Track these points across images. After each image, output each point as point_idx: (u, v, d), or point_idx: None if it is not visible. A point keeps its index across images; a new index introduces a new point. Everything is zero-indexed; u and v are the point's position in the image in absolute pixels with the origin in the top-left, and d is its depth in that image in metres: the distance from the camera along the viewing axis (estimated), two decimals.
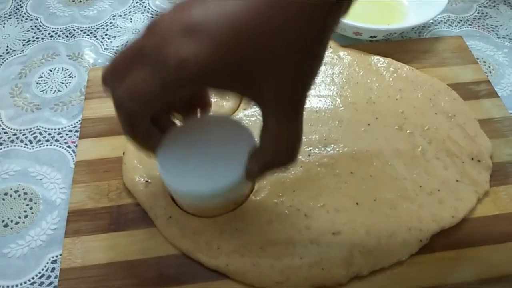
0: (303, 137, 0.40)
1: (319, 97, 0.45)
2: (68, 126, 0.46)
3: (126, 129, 0.30)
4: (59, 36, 0.55)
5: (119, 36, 0.55)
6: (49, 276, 0.37)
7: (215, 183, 0.32)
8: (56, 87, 0.50)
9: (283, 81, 0.27)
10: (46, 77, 0.51)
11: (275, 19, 0.25)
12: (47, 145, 0.45)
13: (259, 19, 0.25)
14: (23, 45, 0.54)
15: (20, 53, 0.53)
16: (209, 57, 0.25)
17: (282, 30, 0.25)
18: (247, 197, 0.38)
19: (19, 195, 0.41)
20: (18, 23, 0.57)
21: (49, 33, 0.55)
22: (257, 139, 0.31)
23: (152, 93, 0.26)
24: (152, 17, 0.58)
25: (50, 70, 0.51)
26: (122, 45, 0.54)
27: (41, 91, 0.49)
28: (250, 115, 0.43)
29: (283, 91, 0.27)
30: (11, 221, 0.40)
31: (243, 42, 0.25)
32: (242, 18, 0.25)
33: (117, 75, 0.28)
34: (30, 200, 0.41)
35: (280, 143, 0.29)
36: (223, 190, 0.32)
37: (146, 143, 0.32)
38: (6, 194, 0.41)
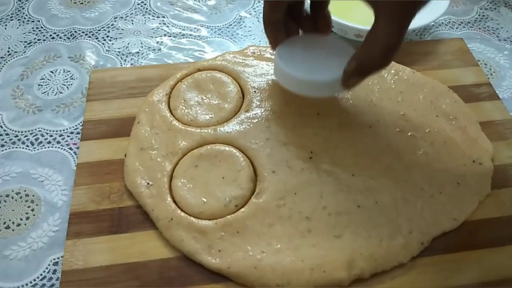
0: (305, 140, 0.41)
1: (321, 99, 0.45)
2: (70, 128, 0.46)
3: (267, 13, 0.39)
4: (60, 38, 0.55)
5: (121, 38, 0.55)
6: (51, 278, 0.37)
7: (321, 75, 0.39)
8: (57, 89, 0.50)
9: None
10: (48, 79, 0.51)
11: None
12: (48, 147, 0.45)
13: None
14: (25, 46, 0.54)
15: (22, 55, 0.53)
16: None
17: None
18: None
19: (20, 197, 0.41)
20: (19, 25, 0.57)
21: (50, 35, 0.56)
22: None
23: None
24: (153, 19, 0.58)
25: (52, 72, 0.51)
26: (123, 47, 0.54)
27: (42, 93, 0.49)
28: (252, 117, 0.43)
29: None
30: (13, 223, 0.40)
31: None
32: None
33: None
34: (32, 202, 0.41)
35: (379, 44, 0.33)
36: (326, 83, 0.39)
37: (274, 35, 0.41)
38: (7, 196, 0.41)
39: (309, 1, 0.41)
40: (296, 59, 0.40)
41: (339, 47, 0.41)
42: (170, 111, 0.44)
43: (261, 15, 0.58)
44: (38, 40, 0.55)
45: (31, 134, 0.46)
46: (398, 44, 0.33)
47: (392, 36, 0.33)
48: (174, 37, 0.56)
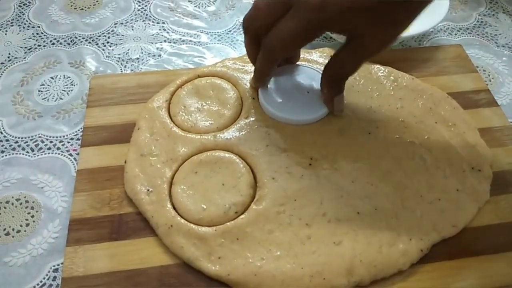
0: (304, 146, 0.41)
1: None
2: (70, 134, 0.46)
3: (264, 68, 0.42)
4: (60, 43, 0.55)
5: (121, 44, 0.56)
6: (51, 285, 0.37)
7: (302, 115, 0.43)
8: (57, 95, 0.50)
9: (386, 27, 0.35)
10: (48, 85, 0.51)
11: None
12: (48, 153, 0.45)
13: None
14: (25, 52, 0.54)
15: (22, 61, 0.53)
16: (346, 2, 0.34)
17: None
18: None
19: (20, 203, 0.41)
20: (20, 31, 0.57)
21: (50, 41, 0.56)
22: None
23: (297, 36, 0.36)
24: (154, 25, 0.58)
25: (52, 78, 0.52)
26: (123, 53, 0.54)
27: (42, 99, 0.49)
28: (252, 124, 0.43)
29: (380, 47, 0.37)
30: (13, 230, 0.40)
31: None
32: None
33: (263, 23, 0.38)
34: (32, 208, 0.41)
35: (343, 53, 0.38)
36: (311, 120, 0.43)
37: (264, 79, 0.44)
38: (7, 202, 0.41)
39: None
40: (279, 96, 0.44)
41: (312, 75, 0.45)
42: (170, 118, 0.44)
43: None
44: (38, 46, 0.55)
45: (31, 140, 0.46)
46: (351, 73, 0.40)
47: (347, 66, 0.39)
48: (174, 43, 0.56)
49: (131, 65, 0.53)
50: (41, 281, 0.37)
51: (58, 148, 0.45)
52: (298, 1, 0.35)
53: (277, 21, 0.37)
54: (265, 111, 0.44)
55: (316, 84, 0.43)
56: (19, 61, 0.53)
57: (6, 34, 0.56)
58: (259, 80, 0.44)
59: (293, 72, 0.46)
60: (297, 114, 0.43)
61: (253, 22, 0.39)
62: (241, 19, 0.59)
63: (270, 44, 0.38)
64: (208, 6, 0.61)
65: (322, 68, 0.41)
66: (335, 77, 0.40)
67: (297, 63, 0.47)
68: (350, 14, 0.34)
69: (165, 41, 0.56)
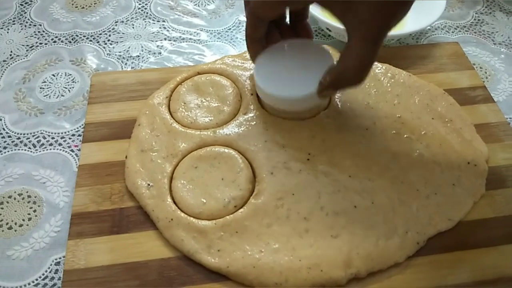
0: (302, 142, 0.41)
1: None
2: (71, 130, 0.47)
3: (249, 29, 0.40)
4: (62, 41, 0.56)
5: (121, 42, 0.56)
6: (53, 278, 0.37)
7: (296, 91, 0.40)
8: (59, 92, 0.50)
9: (381, 7, 0.32)
10: (50, 82, 0.51)
11: None
12: (50, 149, 0.45)
13: None
14: (27, 50, 0.55)
15: (24, 58, 0.54)
16: None
17: None
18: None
19: (23, 198, 0.42)
20: (21, 29, 0.57)
21: (52, 39, 0.56)
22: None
23: None
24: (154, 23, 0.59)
25: (54, 75, 0.52)
26: (124, 50, 0.55)
27: (44, 96, 0.50)
28: (250, 120, 0.44)
29: (376, 16, 0.32)
30: (15, 224, 0.40)
31: None
32: None
33: None
34: (34, 203, 0.42)
35: (355, 60, 0.34)
36: (301, 99, 0.40)
37: (255, 50, 0.41)
38: (10, 197, 0.42)
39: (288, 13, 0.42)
40: (273, 73, 0.41)
41: (318, 54, 0.41)
42: (170, 114, 0.45)
43: None
44: (40, 44, 0.56)
45: (33, 136, 0.46)
46: (371, 63, 0.35)
47: (365, 56, 0.34)
48: (174, 41, 0.57)
49: (132, 63, 0.54)
50: (43, 274, 0.38)
51: (60, 144, 0.46)
52: None
53: None
54: (258, 91, 0.42)
55: (315, 60, 0.40)
56: (21, 59, 0.54)
57: (8, 32, 0.57)
58: (248, 45, 0.41)
59: (295, 49, 0.42)
60: (285, 91, 0.40)
61: None
62: (240, 18, 0.60)
63: (252, 2, 0.37)
64: (208, 4, 0.62)
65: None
66: (340, 86, 0.38)
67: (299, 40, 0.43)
68: None
69: (165, 39, 0.57)
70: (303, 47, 0.42)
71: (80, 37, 0.57)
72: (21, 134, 0.47)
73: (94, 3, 0.61)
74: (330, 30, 0.55)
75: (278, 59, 0.41)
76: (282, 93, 0.40)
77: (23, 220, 0.40)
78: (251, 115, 0.44)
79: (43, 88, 0.51)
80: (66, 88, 0.51)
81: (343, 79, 0.36)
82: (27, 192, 0.42)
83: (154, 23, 0.59)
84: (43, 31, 0.57)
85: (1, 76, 0.52)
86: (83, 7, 0.61)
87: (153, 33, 0.58)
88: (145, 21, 0.59)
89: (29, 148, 0.45)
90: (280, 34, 0.42)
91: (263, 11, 0.37)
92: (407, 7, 0.33)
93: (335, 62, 0.38)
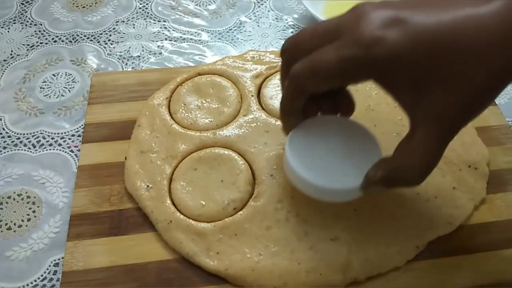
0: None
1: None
2: (71, 130, 0.47)
3: (287, 101, 0.33)
4: (62, 41, 0.56)
5: (122, 41, 0.56)
6: (51, 279, 0.37)
7: (336, 182, 0.33)
8: (59, 92, 0.50)
9: (456, 99, 0.27)
10: (50, 82, 0.51)
11: (483, 36, 0.25)
12: (50, 149, 0.45)
13: (465, 31, 0.26)
14: (27, 50, 0.55)
15: (24, 58, 0.54)
16: (401, 44, 0.26)
17: (486, 50, 0.26)
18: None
19: (22, 199, 0.42)
20: (22, 28, 0.57)
21: (52, 38, 0.56)
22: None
23: (330, 70, 0.28)
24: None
25: (54, 75, 0.52)
26: (125, 50, 0.55)
27: (44, 96, 0.50)
28: (250, 121, 0.44)
29: (449, 109, 0.27)
30: (14, 224, 0.40)
31: (440, 44, 0.26)
32: (449, 24, 0.26)
33: (301, 47, 0.30)
34: (33, 203, 0.41)
35: (417, 158, 0.29)
36: (340, 191, 0.34)
37: (291, 123, 0.35)
38: (9, 197, 0.42)
39: None
40: (308, 155, 0.34)
41: (363, 139, 0.35)
42: (170, 115, 0.45)
43: (261, 19, 0.59)
44: (41, 43, 0.56)
45: (33, 136, 0.46)
46: (437, 163, 0.29)
47: (433, 156, 0.29)
48: (175, 41, 0.56)
49: (132, 63, 0.54)
50: (42, 275, 0.37)
51: (60, 145, 0.46)
52: (349, 31, 0.27)
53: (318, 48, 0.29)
54: (287, 170, 0.35)
55: (359, 146, 0.35)
56: (22, 58, 0.54)
57: (8, 31, 0.57)
58: (283, 118, 0.35)
59: (336, 127, 0.36)
60: (323, 179, 0.33)
61: (291, 45, 0.32)
62: (241, 18, 0.60)
63: (296, 71, 0.30)
64: (209, 4, 0.62)
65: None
66: (394, 184, 0.31)
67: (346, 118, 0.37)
68: (412, 63, 0.26)
69: (166, 39, 0.57)
70: (345, 126, 0.36)
71: (81, 37, 0.57)
72: (21, 134, 0.46)
73: (95, 3, 0.61)
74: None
75: (315, 138, 0.35)
76: (319, 182, 0.33)
77: (22, 220, 0.40)
78: (251, 116, 0.44)
79: (43, 88, 0.51)
80: (66, 88, 0.51)
81: (400, 177, 0.30)
82: (26, 192, 0.42)
83: (155, 23, 0.59)
84: (44, 31, 0.57)
85: (2, 76, 0.52)
86: (83, 7, 0.60)
87: (154, 33, 0.57)
88: (146, 21, 0.59)
89: (29, 148, 0.45)
90: (317, 105, 0.36)
91: (313, 84, 0.31)
92: (493, 99, 0.28)
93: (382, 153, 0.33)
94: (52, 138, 0.46)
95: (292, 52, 0.32)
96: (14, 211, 0.41)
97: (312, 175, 0.33)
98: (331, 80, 0.30)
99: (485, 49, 0.26)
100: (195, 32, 0.58)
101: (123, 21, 0.59)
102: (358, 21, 0.27)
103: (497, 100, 0.50)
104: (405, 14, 0.27)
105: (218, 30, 0.58)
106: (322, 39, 0.29)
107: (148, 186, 0.40)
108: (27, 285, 0.37)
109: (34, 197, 0.42)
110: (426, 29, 0.26)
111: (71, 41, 0.56)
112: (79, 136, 0.46)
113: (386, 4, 0.28)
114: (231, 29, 0.58)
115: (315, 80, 0.30)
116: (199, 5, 0.61)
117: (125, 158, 0.42)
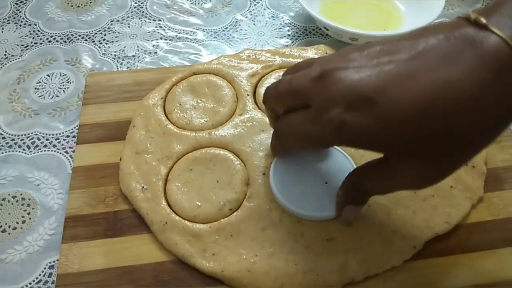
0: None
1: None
2: (66, 131, 0.46)
3: (276, 148, 0.39)
4: (57, 41, 0.56)
5: (117, 41, 0.56)
6: (46, 282, 0.37)
7: (313, 211, 0.37)
8: (54, 93, 0.50)
9: (434, 165, 0.28)
10: (44, 83, 0.51)
11: (458, 109, 0.25)
12: (45, 151, 0.45)
13: (443, 101, 0.25)
14: (22, 50, 0.54)
15: (19, 58, 0.53)
16: (371, 128, 0.26)
17: (470, 111, 0.25)
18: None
19: (16, 201, 0.41)
20: (16, 28, 0.57)
21: (47, 38, 0.56)
22: None
23: (306, 137, 0.31)
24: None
25: (48, 76, 0.52)
26: (120, 50, 0.54)
27: (39, 96, 0.50)
28: (246, 121, 0.43)
29: (425, 173, 0.29)
30: (9, 227, 0.40)
31: (417, 120, 0.25)
32: (425, 98, 0.25)
33: (281, 101, 0.33)
34: (28, 205, 0.41)
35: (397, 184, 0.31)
36: (317, 218, 0.37)
37: (277, 152, 0.40)
38: (3, 199, 0.41)
39: None
40: (290, 180, 0.38)
41: (342, 166, 0.39)
42: (165, 115, 0.44)
43: (257, 17, 0.59)
44: (35, 43, 0.55)
45: (27, 137, 0.46)
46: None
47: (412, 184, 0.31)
48: (170, 40, 0.56)
49: (127, 63, 0.53)
50: (37, 278, 0.37)
51: (54, 146, 0.45)
52: (319, 103, 0.28)
53: (294, 110, 0.32)
54: (273, 193, 0.39)
55: (339, 176, 0.35)
56: (16, 59, 0.53)
57: (2, 31, 0.56)
58: (271, 149, 0.40)
59: (318, 155, 0.40)
60: (302, 208, 0.37)
61: (271, 98, 0.34)
62: (237, 16, 0.59)
63: (280, 132, 0.35)
64: (205, 3, 0.61)
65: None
66: (358, 189, 0.33)
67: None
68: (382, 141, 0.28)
69: (161, 38, 0.56)
70: (328, 150, 0.40)
71: (75, 37, 0.56)
72: (15, 135, 0.46)
73: (90, 2, 0.60)
74: (327, 29, 0.54)
75: (298, 162, 0.39)
76: (298, 210, 0.37)
77: (17, 223, 0.40)
78: (247, 116, 0.44)
79: (38, 89, 0.50)
80: (61, 88, 0.50)
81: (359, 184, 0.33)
82: (21, 194, 0.42)
83: (150, 22, 0.58)
84: (38, 31, 0.57)
85: None
86: (78, 6, 0.60)
87: (149, 32, 0.57)
88: (141, 20, 0.58)
89: (23, 149, 0.45)
90: None
91: (295, 145, 0.37)
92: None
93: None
94: (47, 139, 0.46)
95: (273, 104, 0.35)
96: (9, 213, 0.41)
97: (291, 202, 0.37)
98: (311, 144, 0.35)
99: (469, 110, 0.25)
100: (191, 31, 0.57)
101: (118, 21, 0.58)
102: (327, 96, 0.28)
103: None
104: (375, 92, 0.26)
105: (214, 29, 0.58)
106: (297, 97, 0.31)
107: (143, 187, 0.39)
108: (22, 287, 0.37)
109: (29, 199, 0.42)
110: (398, 110, 0.26)
111: (65, 41, 0.56)
112: (73, 137, 0.46)
113: (356, 66, 0.27)
114: (226, 28, 0.58)
115: (297, 144, 0.36)
116: (195, 4, 0.61)
117: (120, 159, 0.42)
